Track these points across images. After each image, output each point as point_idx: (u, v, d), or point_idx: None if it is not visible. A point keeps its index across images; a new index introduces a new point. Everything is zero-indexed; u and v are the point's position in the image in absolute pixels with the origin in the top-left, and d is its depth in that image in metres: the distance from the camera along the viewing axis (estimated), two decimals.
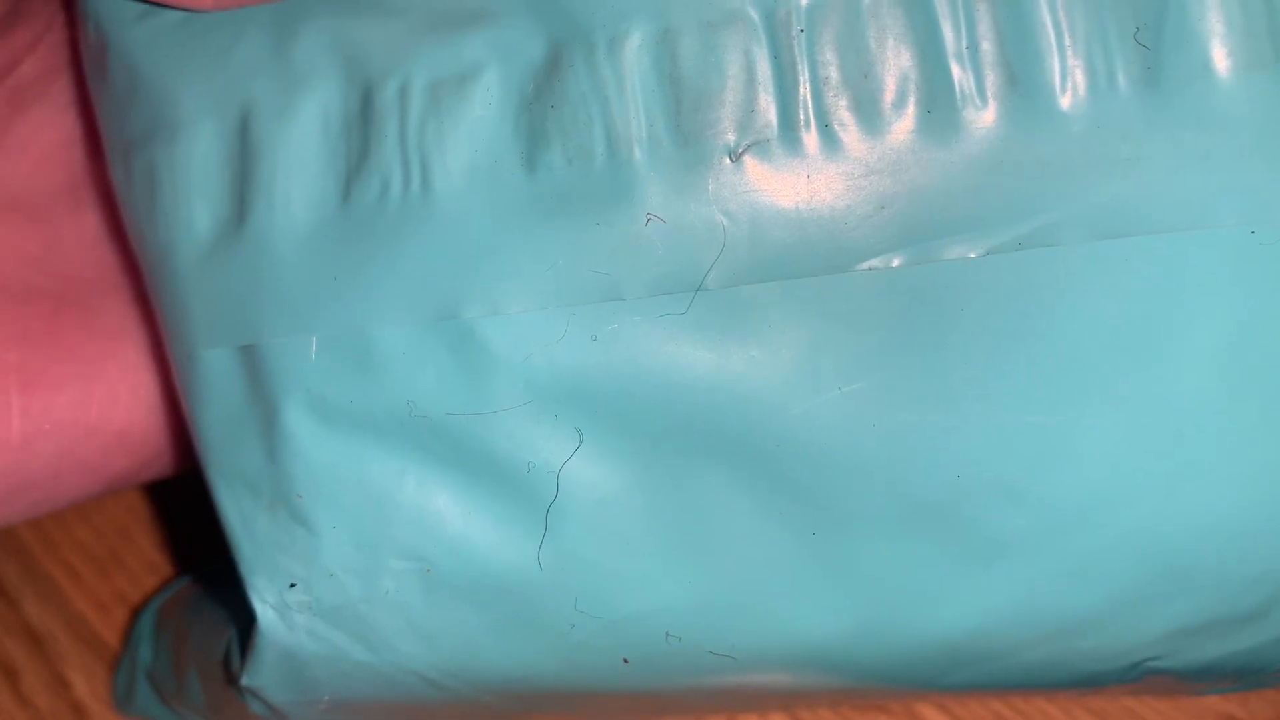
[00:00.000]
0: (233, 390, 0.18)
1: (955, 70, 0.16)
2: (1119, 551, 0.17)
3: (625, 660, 0.18)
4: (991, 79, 0.16)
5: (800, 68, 0.16)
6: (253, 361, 0.18)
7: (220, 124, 0.18)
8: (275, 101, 0.18)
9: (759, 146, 0.16)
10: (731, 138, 0.16)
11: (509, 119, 0.17)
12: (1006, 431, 0.17)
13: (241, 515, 0.18)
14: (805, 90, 0.16)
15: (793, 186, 0.16)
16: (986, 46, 0.16)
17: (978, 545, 0.17)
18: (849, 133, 0.16)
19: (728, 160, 0.16)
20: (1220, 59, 0.16)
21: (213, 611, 0.23)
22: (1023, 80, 0.16)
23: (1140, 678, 0.19)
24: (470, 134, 0.17)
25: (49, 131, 0.22)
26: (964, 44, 0.16)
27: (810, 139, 0.16)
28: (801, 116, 0.16)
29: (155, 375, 0.22)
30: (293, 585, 0.18)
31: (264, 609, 0.18)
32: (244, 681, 0.19)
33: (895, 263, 0.16)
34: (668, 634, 0.18)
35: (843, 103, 0.16)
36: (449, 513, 0.18)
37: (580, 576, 0.18)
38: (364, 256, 0.17)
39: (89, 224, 0.22)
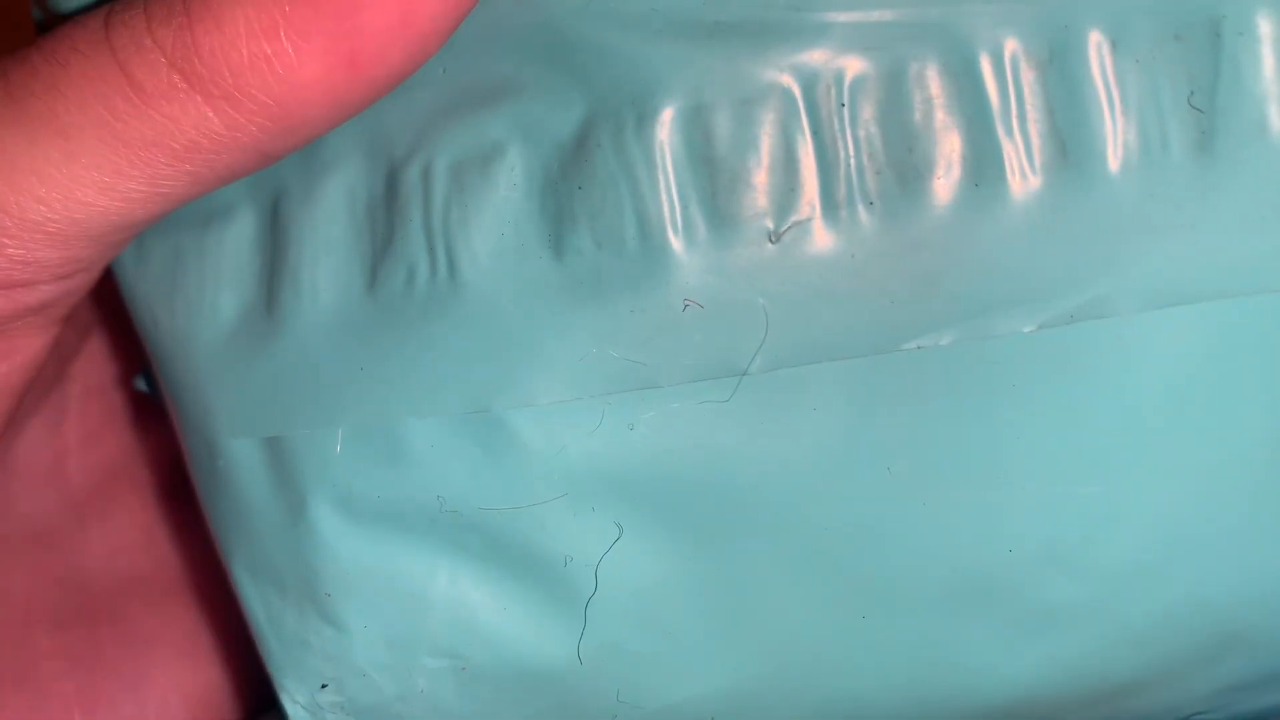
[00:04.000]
0: (256, 483, 0.17)
1: (1003, 141, 0.15)
2: (1171, 618, 0.17)
3: None
4: (1041, 149, 0.15)
5: (842, 144, 0.15)
6: (277, 453, 0.17)
7: (255, 208, 0.17)
8: (302, 184, 0.17)
9: (800, 227, 0.15)
10: (771, 219, 0.15)
11: (534, 200, 0.16)
12: (1059, 503, 0.16)
13: (268, 612, 0.18)
14: (848, 167, 0.15)
15: (837, 267, 0.15)
16: (1035, 116, 0.15)
17: (1029, 617, 0.17)
18: (894, 210, 0.15)
19: (768, 242, 0.15)
20: (1276, 118, 0.15)
21: None
22: (1073, 149, 0.15)
23: None
24: (496, 217, 0.16)
25: (42, 452, 0.22)
26: (1012, 114, 0.15)
27: (854, 217, 0.15)
28: (844, 194, 0.15)
29: (197, 672, 0.22)
30: (324, 686, 0.17)
31: (295, 709, 0.18)
32: None
33: (945, 340, 0.16)
34: (712, 718, 0.17)
35: (887, 180, 0.15)
36: (484, 609, 0.17)
37: (622, 668, 0.17)
38: (391, 346, 0.16)
39: (94, 541, 0.22)
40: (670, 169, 0.15)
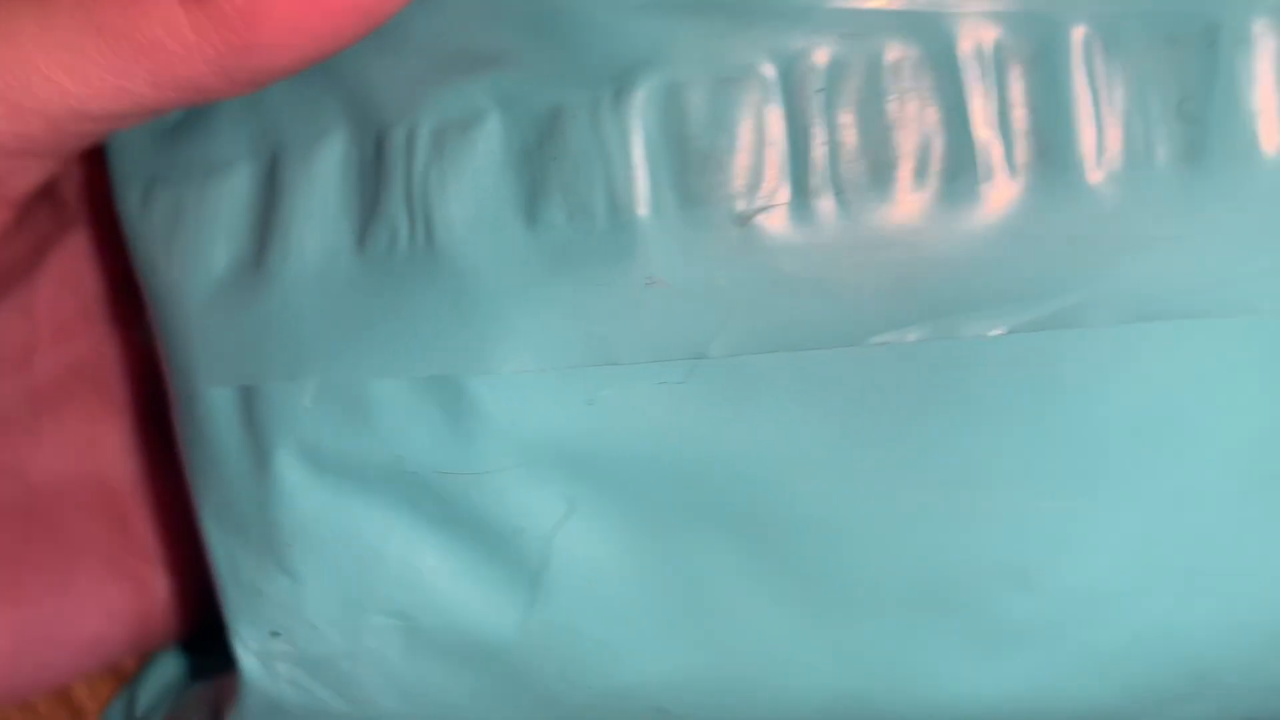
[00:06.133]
0: (229, 431, 0.18)
1: (981, 139, 0.15)
2: (1136, 647, 0.16)
3: None
4: (1020, 149, 0.15)
5: (816, 131, 0.15)
6: (250, 404, 0.17)
7: (254, 166, 0.18)
8: (300, 145, 0.17)
9: (769, 212, 0.15)
10: (740, 202, 0.15)
11: (511, 169, 0.16)
12: (1020, 516, 0.16)
13: (230, 558, 0.18)
14: (821, 155, 0.15)
15: (803, 255, 0.15)
16: (1017, 114, 0.15)
17: (987, 631, 0.16)
18: (865, 202, 0.15)
19: (736, 225, 0.15)
20: (1270, 136, 0.15)
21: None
22: (1053, 151, 0.15)
23: None
24: (472, 184, 0.16)
25: (11, 339, 0.22)
26: (993, 111, 0.15)
27: (824, 207, 0.15)
28: (815, 183, 0.15)
29: (120, 588, 0.22)
30: (275, 634, 0.18)
31: (247, 656, 0.18)
32: None
33: (911, 337, 0.15)
34: (657, 708, 0.17)
35: (860, 170, 0.15)
36: (435, 572, 0.17)
37: (568, 645, 0.17)
38: (367, 306, 0.17)
39: (46, 436, 0.22)
40: (643, 145, 0.15)
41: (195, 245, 0.18)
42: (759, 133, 0.15)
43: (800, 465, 0.16)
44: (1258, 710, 0.17)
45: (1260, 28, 0.14)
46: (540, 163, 0.16)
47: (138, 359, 0.23)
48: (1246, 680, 0.17)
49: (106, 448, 0.23)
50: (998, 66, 0.15)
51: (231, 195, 0.18)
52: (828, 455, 0.16)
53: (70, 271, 0.23)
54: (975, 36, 0.15)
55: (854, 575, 0.16)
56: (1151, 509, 0.16)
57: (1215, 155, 0.15)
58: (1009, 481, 0.16)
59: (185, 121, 0.19)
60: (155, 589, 0.22)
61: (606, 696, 0.17)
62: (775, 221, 0.15)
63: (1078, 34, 0.15)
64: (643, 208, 0.15)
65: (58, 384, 0.23)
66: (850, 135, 0.15)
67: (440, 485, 0.17)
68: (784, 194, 0.15)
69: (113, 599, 0.22)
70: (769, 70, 0.15)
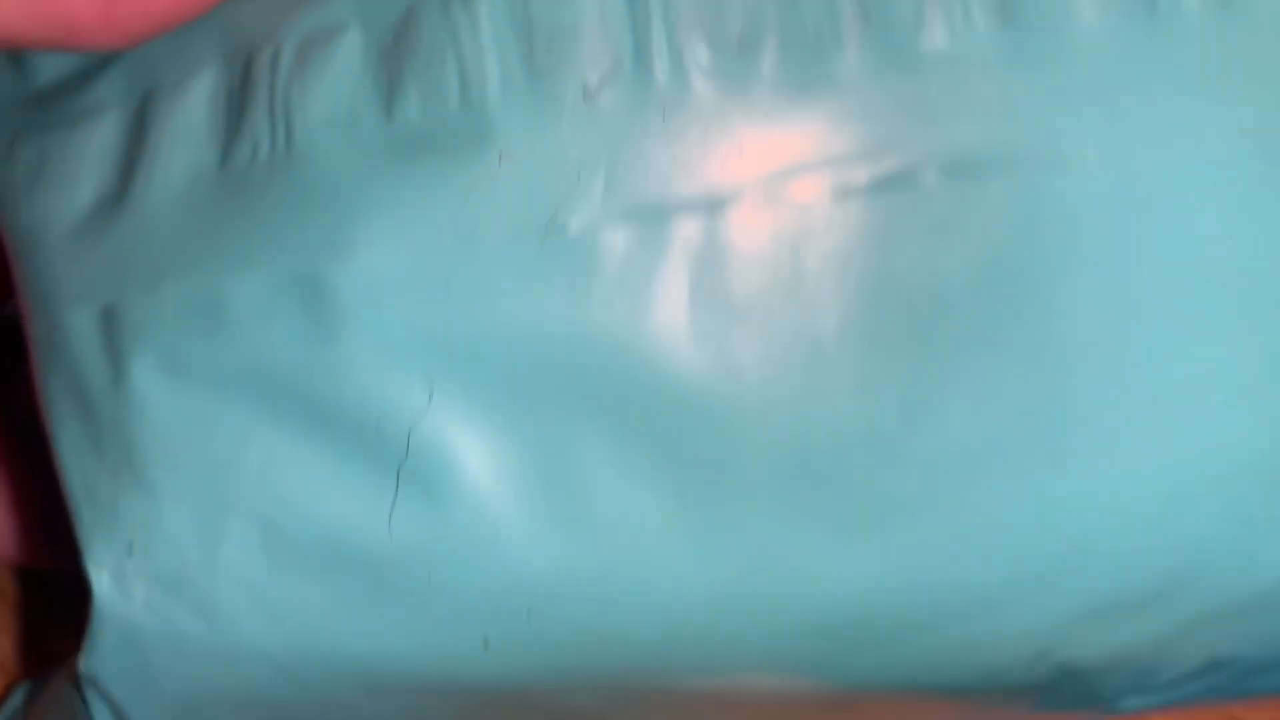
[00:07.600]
0: (88, 355, 0.17)
1: (810, 10, 0.16)
2: (1008, 516, 0.17)
3: (486, 643, 0.17)
4: (848, 19, 0.16)
5: (653, 4, 0.16)
6: (110, 323, 0.17)
7: (125, 107, 0.18)
8: (171, 82, 0.18)
9: (613, 85, 0.16)
10: (586, 76, 0.16)
11: (369, 72, 0.17)
12: (872, 380, 0.16)
13: (85, 479, 0.17)
14: (659, 28, 0.16)
15: (648, 126, 0.16)
16: None
17: (855, 508, 0.16)
18: (703, 73, 0.16)
19: (582, 98, 0.16)
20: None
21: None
22: (878, 19, 0.16)
23: (1048, 677, 0.18)
24: (332, 88, 0.17)
25: None
26: None
27: (664, 78, 0.16)
28: (655, 55, 0.16)
29: None
30: (131, 551, 0.17)
31: (100, 576, 0.17)
32: (82, 667, 0.18)
33: (752, 201, 0.16)
34: (529, 611, 0.17)
35: (696, 42, 0.16)
36: (297, 474, 0.17)
37: (433, 545, 0.17)
38: (228, 216, 0.17)
39: None
40: (491, 27, 0.16)
41: (60, 185, 0.18)
42: (600, 8, 0.16)
43: (660, 341, 0.16)
44: (1128, 590, 0.17)
45: None
46: (395, 61, 0.16)
47: None
48: (1116, 554, 0.17)
49: None
50: None
51: (101, 136, 0.18)
52: (686, 328, 0.16)
53: None
54: None
55: (720, 452, 0.16)
56: (1003, 368, 0.16)
57: (1029, 17, 0.16)
58: (856, 344, 0.16)
59: (54, 85, 0.19)
60: None
61: (476, 601, 0.17)
62: (620, 94, 0.16)
63: None
64: (493, 87, 0.16)
65: None
66: (686, 9, 0.16)
67: (299, 382, 0.17)
68: (626, 67, 0.16)
69: None
70: None
